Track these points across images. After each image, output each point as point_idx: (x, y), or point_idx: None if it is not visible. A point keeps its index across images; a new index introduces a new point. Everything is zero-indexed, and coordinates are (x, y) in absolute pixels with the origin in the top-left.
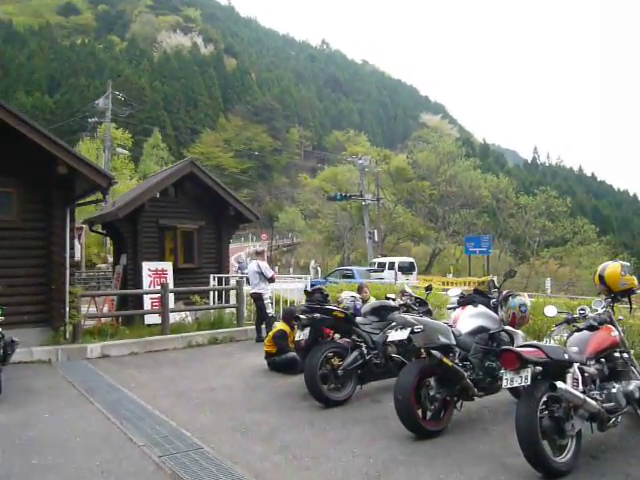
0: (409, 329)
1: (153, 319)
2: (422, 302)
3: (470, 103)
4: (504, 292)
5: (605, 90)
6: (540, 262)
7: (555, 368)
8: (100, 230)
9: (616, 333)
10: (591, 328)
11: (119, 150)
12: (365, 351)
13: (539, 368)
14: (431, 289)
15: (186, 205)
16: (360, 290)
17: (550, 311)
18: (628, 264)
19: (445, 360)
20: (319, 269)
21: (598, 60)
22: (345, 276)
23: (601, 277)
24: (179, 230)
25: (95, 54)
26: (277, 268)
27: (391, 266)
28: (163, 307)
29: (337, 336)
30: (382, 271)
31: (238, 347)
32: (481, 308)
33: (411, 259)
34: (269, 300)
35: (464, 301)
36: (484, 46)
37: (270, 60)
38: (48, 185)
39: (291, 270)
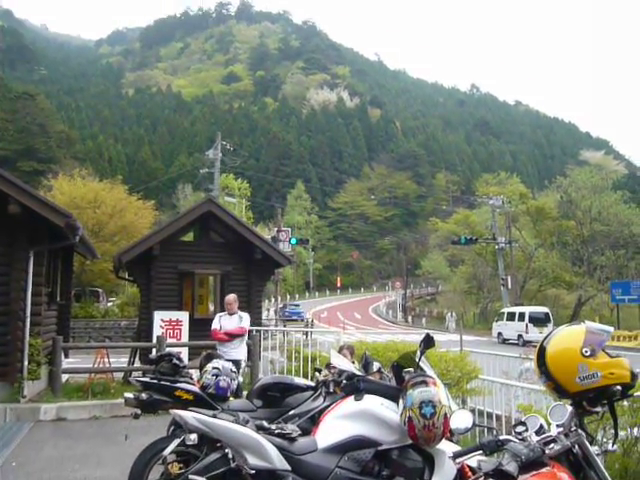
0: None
1: None
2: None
3: None
4: (407, 376)
5: None
6: None
7: None
8: (127, 277)
9: None
10: (500, 477)
11: (227, 199)
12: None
13: None
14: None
15: (210, 248)
16: (340, 352)
17: (461, 420)
18: (608, 329)
19: None
20: (455, 320)
21: None
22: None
23: (541, 357)
24: (197, 276)
25: (249, 115)
26: (410, 318)
27: (521, 317)
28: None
29: None
30: (298, 306)
31: None
32: (369, 403)
33: (546, 309)
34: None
35: (348, 387)
36: None
37: (417, 109)
38: (10, 227)
39: (423, 321)
